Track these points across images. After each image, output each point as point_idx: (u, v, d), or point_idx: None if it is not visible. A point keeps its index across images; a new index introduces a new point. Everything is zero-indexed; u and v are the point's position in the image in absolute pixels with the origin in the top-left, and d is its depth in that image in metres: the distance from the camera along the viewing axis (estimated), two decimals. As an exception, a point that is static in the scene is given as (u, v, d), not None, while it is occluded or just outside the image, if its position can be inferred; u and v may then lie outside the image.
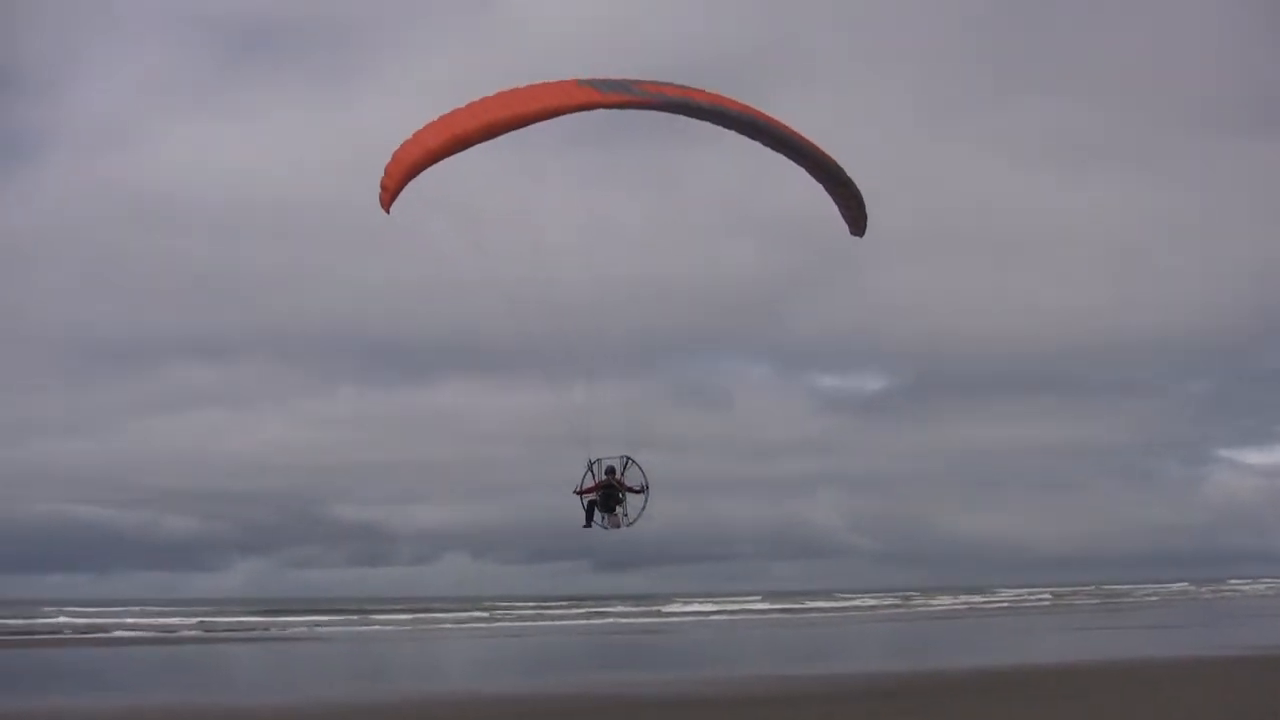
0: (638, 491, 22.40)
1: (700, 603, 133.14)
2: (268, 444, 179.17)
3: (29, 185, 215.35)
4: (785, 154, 22.40)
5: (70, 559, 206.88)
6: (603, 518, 22.12)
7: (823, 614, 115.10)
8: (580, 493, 22.28)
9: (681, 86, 20.95)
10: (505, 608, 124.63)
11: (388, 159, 20.10)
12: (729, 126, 21.73)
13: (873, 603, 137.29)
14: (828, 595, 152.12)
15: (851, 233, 23.86)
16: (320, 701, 38.28)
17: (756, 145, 22.49)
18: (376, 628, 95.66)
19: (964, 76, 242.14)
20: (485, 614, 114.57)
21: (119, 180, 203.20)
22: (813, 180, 23.07)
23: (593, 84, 19.92)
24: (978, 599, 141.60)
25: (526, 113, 19.31)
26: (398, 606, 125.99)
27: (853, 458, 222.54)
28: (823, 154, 22.44)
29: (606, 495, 22.15)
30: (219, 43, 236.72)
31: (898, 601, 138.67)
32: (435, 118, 19.79)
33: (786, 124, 22.03)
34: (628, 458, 22.30)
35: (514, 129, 19.43)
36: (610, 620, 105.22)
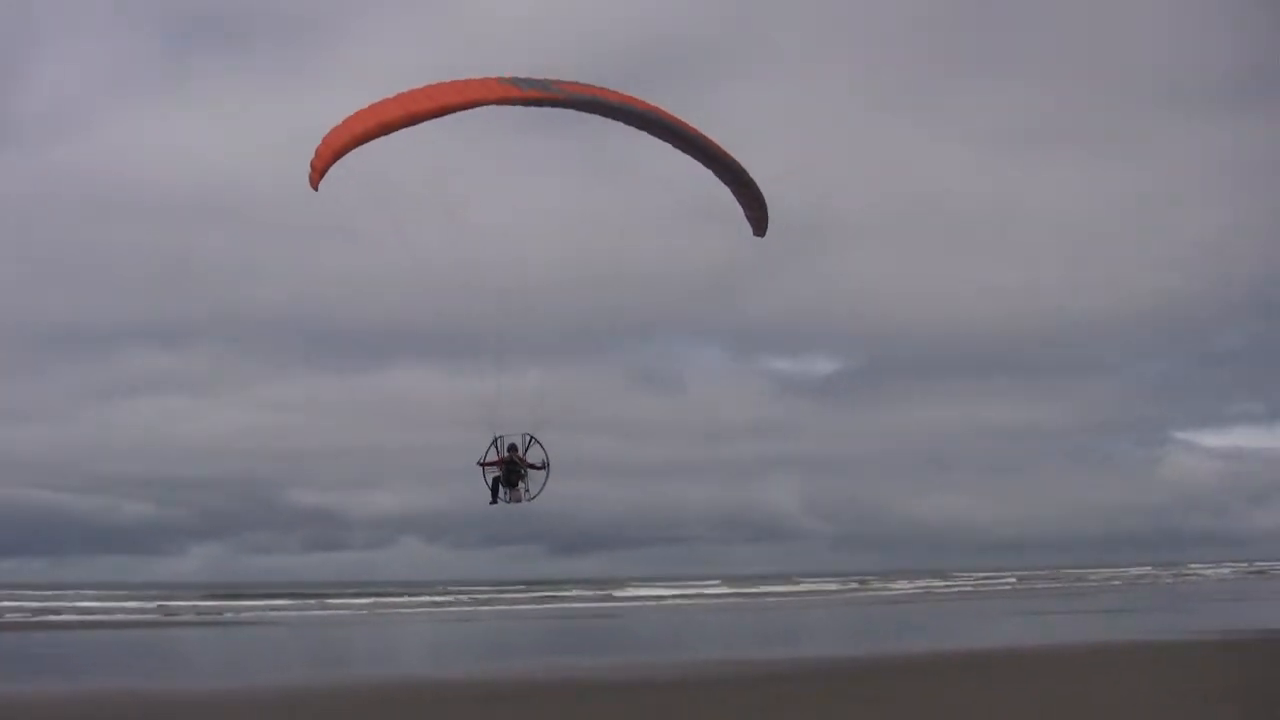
0: (539, 468, 23.37)
1: (655, 586, 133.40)
2: (222, 430, 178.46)
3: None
4: (692, 154, 23.46)
5: (25, 544, 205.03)
6: (505, 492, 23.05)
7: (779, 598, 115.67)
8: (483, 464, 23.23)
9: (597, 88, 22.02)
10: (459, 592, 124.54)
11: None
12: (638, 126, 22.85)
13: (832, 586, 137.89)
14: (785, 579, 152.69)
15: (754, 234, 24.90)
16: (275, 686, 38.29)
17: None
18: (332, 612, 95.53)
19: (916, 59, 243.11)
20: (440, 598, 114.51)
21: (73, 167, 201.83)
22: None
23: (514, 81, 21.21)
24: (938, 583, 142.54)
25: (448, 104, 20.73)
26: (353, 591, 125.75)
27: (807, 441, 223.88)
28: (726, 155, 23.42)
29: (509, 471, 23.05)
30: (173, 30, 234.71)
31: (856, 585, 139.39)
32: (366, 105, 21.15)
33: (692, 125, 23.10)
34: (530, 435, 23.18)
35: (435, 117, 20.83)
36: (563, 605, 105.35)
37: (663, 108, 22.99)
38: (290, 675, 42.75)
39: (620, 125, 22.81)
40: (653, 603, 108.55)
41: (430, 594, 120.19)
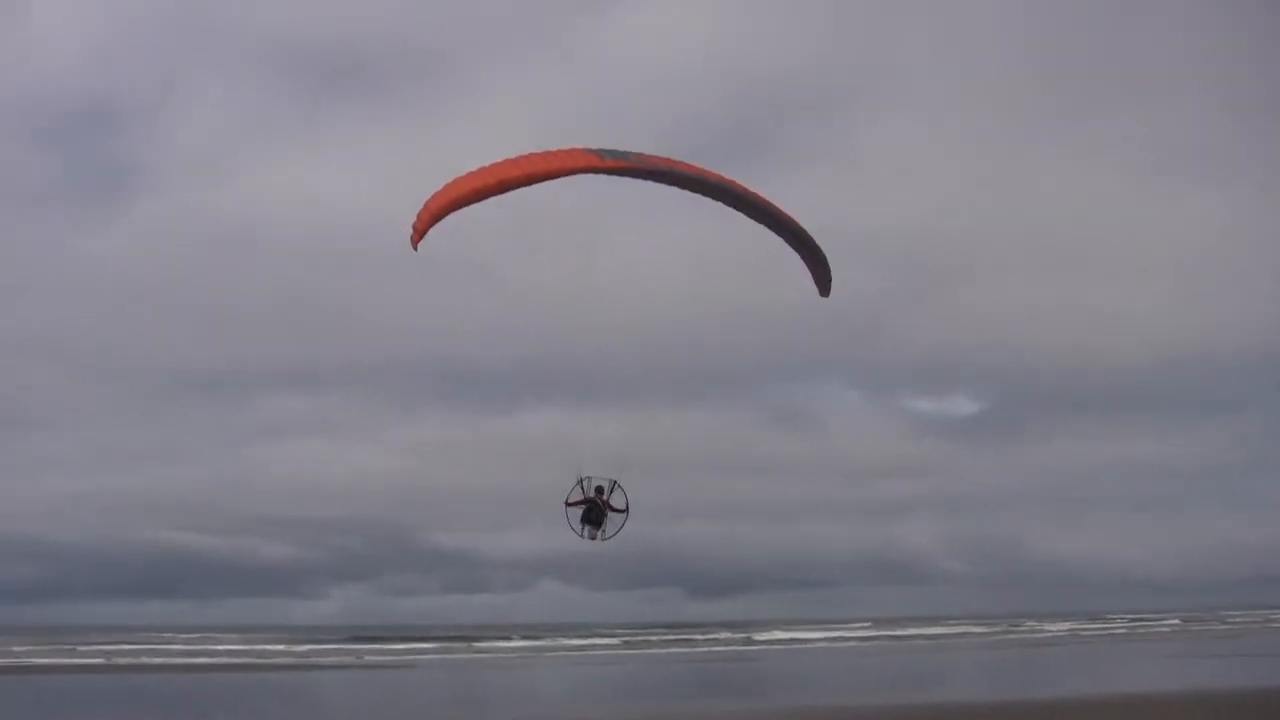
0: (620, 511, 25.14)
1: (796, 629, 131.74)
2: (361, 472, 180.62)
3: (125, 217, 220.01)
4: (759, 220, 24.90)
5: (168, 587, 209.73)
6: (583, 528, 25.05)
7: (925, 640, 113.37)
8: (569, 504, 25.08)
9: (672, 160, 23.77)
10: (598, 634, 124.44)
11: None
12: (709, 195, 24.42)
13: (979, 629, 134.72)
14: (929, 621, 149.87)
15: (820, 294, 26.33)
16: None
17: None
18: (471, 655, 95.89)
19: (1058, 91, 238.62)
20: (582, 641, 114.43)
21: (211, 211, 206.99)
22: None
23: (598, 151, 23.01)
24: (1090, 625, 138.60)
25: (535, 173, 22.64)
26: (491, 634, 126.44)
27: (948, 480, 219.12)
28: (791, 220, 24.96)
29: (592, 509, 25.00)
30: (307, 75, 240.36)
31: (1005, 628, 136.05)
32: (466, 170, 23.05)
33: (760, 193, 24.59)
34: (615, 481, 25.08)
35: (524, 185, 22.77)
36: (700, 648, 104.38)
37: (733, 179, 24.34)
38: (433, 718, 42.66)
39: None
40: (795, 646, 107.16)
41: (574, 636, 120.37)
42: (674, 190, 24.04)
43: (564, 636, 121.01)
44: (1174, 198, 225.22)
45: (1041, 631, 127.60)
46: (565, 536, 25.13)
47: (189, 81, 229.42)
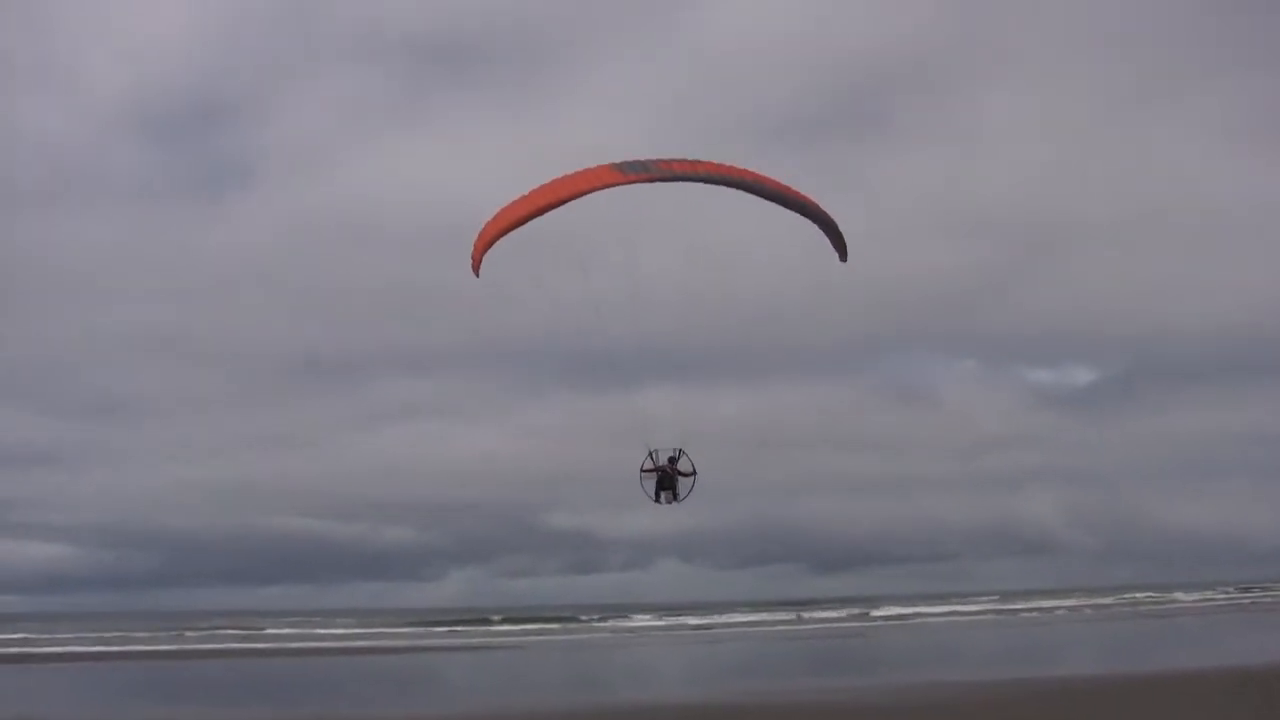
0: (688, 475, 27.64)
1: (914, 604, 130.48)
2: (479, 454, 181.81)
3: (238, 211, 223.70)
4: (778, 204, 26.97)
5: (289, 571, 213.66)
6: (659, 494, 27.61)
7: (1045, 613, 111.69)
8: (645, 471, 27.59)
9: (690, 160, 26.14)
10: (716, 612, 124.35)
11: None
12: (728, 187, 26.46)
13: (1099, 601, 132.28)
14: (1050, 594, 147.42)
15: (840, 260, 28.41)
16: (521, 710, 38.39)
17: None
18: (587, 635, 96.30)
19: (1158, 58, 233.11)
20: (694, 620, 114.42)
21: (323, 202, 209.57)
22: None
23: (619, 166, 25.49)
24: (1219, 596, 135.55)
25: (564, 197, 25.42)
26: (610, 613, 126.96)
27: (1067, 452, 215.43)
28: (805, 199, 27.14)
29: (664, 476, 27.54)
30: (411, 64, 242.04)
31: (1127, 600, 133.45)
32: (512, 198, 26.10)
33: (773, 179, 26.81)
34: (681, 449, 27.53)
35: (556, 208, 25.58)
36: (818, 625, 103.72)
37: (746, 168, 26.55)
38: (539, 698, 42.83)
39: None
40: (913, 621, 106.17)
41: (691, 615, 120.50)
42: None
43: (682, 615, 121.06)
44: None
45: (1165, 603, 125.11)
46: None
47: (296, 74, 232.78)
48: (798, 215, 27.17)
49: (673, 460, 27.54)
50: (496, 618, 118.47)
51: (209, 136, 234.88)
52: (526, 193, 25.96)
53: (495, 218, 26.24)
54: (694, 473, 27.75)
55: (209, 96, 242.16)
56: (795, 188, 27.21)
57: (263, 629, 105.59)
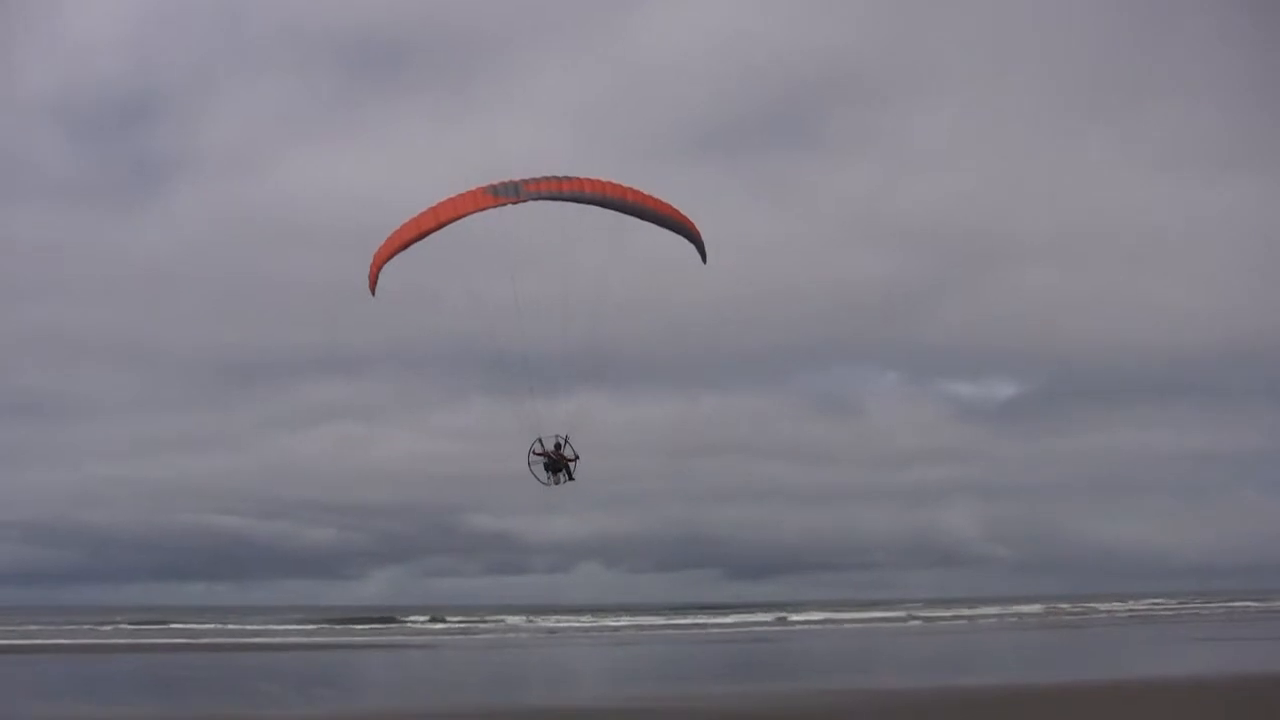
0: (572, 460, 29.99)
1: (831, 610, 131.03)
2: (401, 456, 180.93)
3: (164, 210, 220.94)
4: (640, 218, 29.06)
5: (211, 569, 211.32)
6: (548, 476, 29.85)
7: (960, 622, 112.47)
8: (535, 454, 29.82)
9: (558, 179, 28.11)
10: (632, 614, 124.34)
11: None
12: (594, 204, 28.47)
13: (1016, 610, 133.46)
14: (967, 604, 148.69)
15: (702, 262, 30.64)
16: (437, 709, 37.90)
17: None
18: (503, 635, 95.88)
19: (1096, 80, 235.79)
20: (613, 622, 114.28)
21: (248, 203, 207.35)
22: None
23: (491, 189, 27.60)
24: (1130, 608, 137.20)
25: (444, 220, 27.72)
26: (523, 612, 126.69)
27: (987, 465, 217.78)
28: (667, 210, 29.37)
29: (552, 461, 29.83)
30: (342, 65, 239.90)
31: (1043, 610, 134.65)
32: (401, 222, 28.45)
33: (637, 191, 28.85)
34: (566, 437, 29.83)
35: (437, 230, 27.91)
36: (733, 629, 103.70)
37: (611, 181, 28.65)
38: (450, 698, 42.33)
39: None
40: (829, 627, 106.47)
41: (607, 616, 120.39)
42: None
43: (597, 616, 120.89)
44: (1214, 186, 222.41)
45: (1077, 615, 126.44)
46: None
47: (226, 74, 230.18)
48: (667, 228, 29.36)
49: (558, 446, 29.77)
50: (415, 617, 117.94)
51: (136, 135, 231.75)
52: (412, 217, 28.25)
53: (385, 242, 28.61)
54: (577, 458, 29.97)
55: (137, 95, 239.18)
56: (663, 200, 29.27)
57: (169, 623, 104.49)
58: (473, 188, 27.86)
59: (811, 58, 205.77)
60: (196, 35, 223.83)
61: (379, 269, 28.79)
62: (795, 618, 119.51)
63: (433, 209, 27.87)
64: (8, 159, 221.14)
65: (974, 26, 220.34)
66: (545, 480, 29.77)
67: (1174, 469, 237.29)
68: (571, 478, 29.87)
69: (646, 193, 29.10)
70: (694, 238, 30.07)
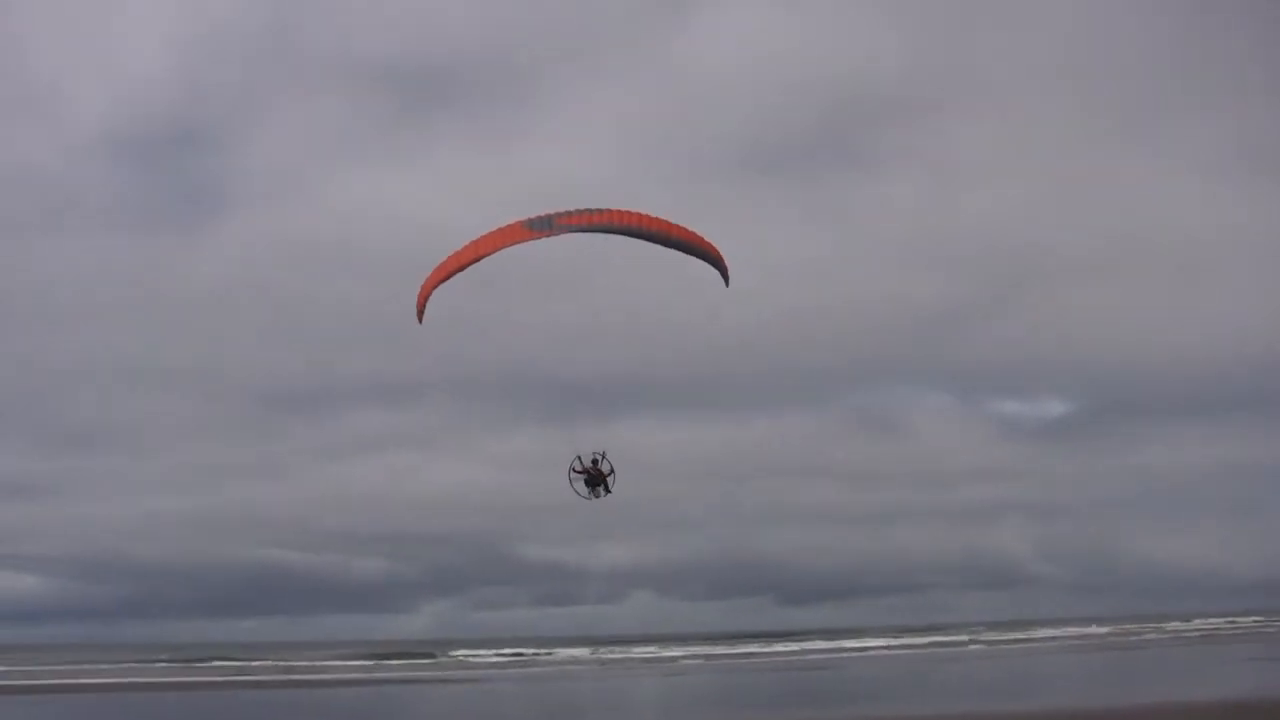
0: (609, 474, 31.80)
1: (885, 636, 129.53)
2: (452, 485, 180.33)
3: (213, 237, 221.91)
4: (664, 245, 30.72)
5: (263, 602, 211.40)
6: (588, 491, 31.76)
7: (1021, 644, 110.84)
8: (575, 472, 31.83)
9: (589, 211, 29.78)
10: (688, 644, 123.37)
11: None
12: (623, 234, 30.19)
13: (1074, 632, 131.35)
14: (1025, 626, 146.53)
15: (725, 285, 32.21)
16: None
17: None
18: (563, 667, 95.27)
19: (1139, 92, 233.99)
20: (663, 651, 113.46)
21: (298, 229, 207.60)
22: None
23: (528, 224, 29.47)
24: (1188, 628, 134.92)
25: (482, 253, 29.88)
26: (578, 643, 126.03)
27: (1039, 484, 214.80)
28: (690, 237, 31.03)
29: (591, 476, 31.79)
30: (391, 91, 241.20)
31: (1105, 631, 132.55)
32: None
33: (661, 220, 30.49)
34: (603, 452, 31.79)
35: (475, 263, 30.03)
36: (787, 657, 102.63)
37: (638, 212, 30.28)
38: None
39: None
40: (888, 653, 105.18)
41: (661, 646, 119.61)
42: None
43: (651, 646, 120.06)
44: (1259, 199, 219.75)
45: (1141, 634, 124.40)
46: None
47: (273, 100, 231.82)
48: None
49: (595, 462, 31.75)
50: (472, 651, 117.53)
51: (185, 162, 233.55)
52: (454, 251, 30.41)
53: (430, 274, 30.84)
54: (613, 471, 31.90)
55: (186, 122, 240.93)
56: (687, 228, 30.97)
57: (213, 660, 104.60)
58: (511, 222, 29.71)
59: (855, 76, 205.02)
60: (245, 62, 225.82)
61: (425, 299, 30.80)
62: (848, 644, 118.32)
63: (473, 243, 29.93)
64: (59, 188, 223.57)
65: (1015, 42, 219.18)
66: (585, 495, 31.71)
67: (1228, 483, 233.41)
68: (609, 491, 31.74)
69: (672, 221, 30.79)
70: (717, 263, 31.62)
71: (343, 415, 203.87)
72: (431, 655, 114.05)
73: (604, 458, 31.71)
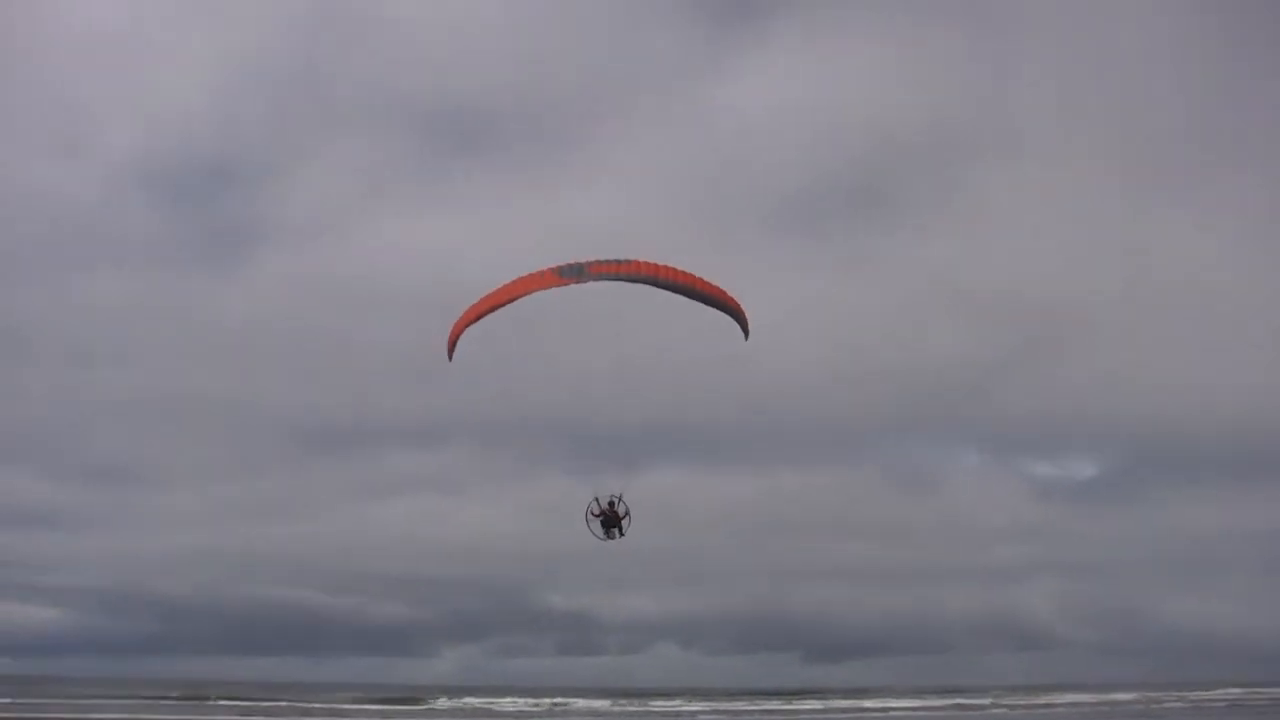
0: (624, 516, 33.12)
1: (910, 697, 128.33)
2: (477, 530, 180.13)
3: (245, 276, 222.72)
4: (688, 296, 31.95)
5: (285, 642, 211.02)
6: (604, 532, 33.17)
7: (1047, 709, 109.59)
8: (593, 515, 33.28)
9: (617, 262, 30.92)
10: (708, 699, 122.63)
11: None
12: (649, 284, 31.39)
13: (1103, 698, 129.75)
14: (1053, 690, 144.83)
15: (745, 338, 33.47)
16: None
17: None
18: (580, 718, 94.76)
19: (1172, 150, 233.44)
20: (685, 706, 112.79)
21: (332, 268, 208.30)
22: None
23: (559, 270, 30.82)
24: (1221, 696, 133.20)
25: (515, 295, 31.09)
26: (603, 695, 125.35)
27: (1069, 544, 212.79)
28: (713, 290, 32.33)
29: (608, 518, 33.26)
30: (424, 132, 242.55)
31: (1134, 698, 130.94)
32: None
33: (686, 273, 31.85)
34: (620, 495, 33.14)
35: (507, 304, 31.27)
36: (807, 716, 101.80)
37: (664, 264, 31.56)
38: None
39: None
40: (906, 714, 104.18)
41: (681, 699, 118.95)
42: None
43: (675, 700, 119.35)
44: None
45: (1170, 702, 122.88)
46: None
47: (305, 139, 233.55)
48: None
49: (612, 504, 33.21)
50: (493, 699, 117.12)
51: (218, 201, 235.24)
52: (486, 294, 31.74)
53: (462, 315, 32.16)
54: (628, 514, 33.22)
55: (220, 159, 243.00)
56: (709, 280, 32.33)
57: (218, 699, 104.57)
58: (543, 268, 31.11)
59: (886, 127, 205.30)
60: (281, 99, 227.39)
61: (456, 338, 32.30)
62: (870, 704, 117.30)
63: (505, 286, 31.30)
64: (91, 225, 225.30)
65: (1048, 95, 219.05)
66: (601, 536, 33.20)
67: (1261, 547, 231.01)
68: (623, 534, 33.08)
69: (697, 275, 32.25)
70: (738, 315, 32.94)
71: (370, 456, 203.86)
72: (449, 701, 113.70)
73: (620, 500, 32.98)
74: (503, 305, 31.33)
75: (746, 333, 33.07)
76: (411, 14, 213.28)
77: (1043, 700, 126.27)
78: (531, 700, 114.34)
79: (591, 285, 30.86)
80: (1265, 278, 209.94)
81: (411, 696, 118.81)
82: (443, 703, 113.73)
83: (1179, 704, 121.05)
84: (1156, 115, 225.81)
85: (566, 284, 30.78)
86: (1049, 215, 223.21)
